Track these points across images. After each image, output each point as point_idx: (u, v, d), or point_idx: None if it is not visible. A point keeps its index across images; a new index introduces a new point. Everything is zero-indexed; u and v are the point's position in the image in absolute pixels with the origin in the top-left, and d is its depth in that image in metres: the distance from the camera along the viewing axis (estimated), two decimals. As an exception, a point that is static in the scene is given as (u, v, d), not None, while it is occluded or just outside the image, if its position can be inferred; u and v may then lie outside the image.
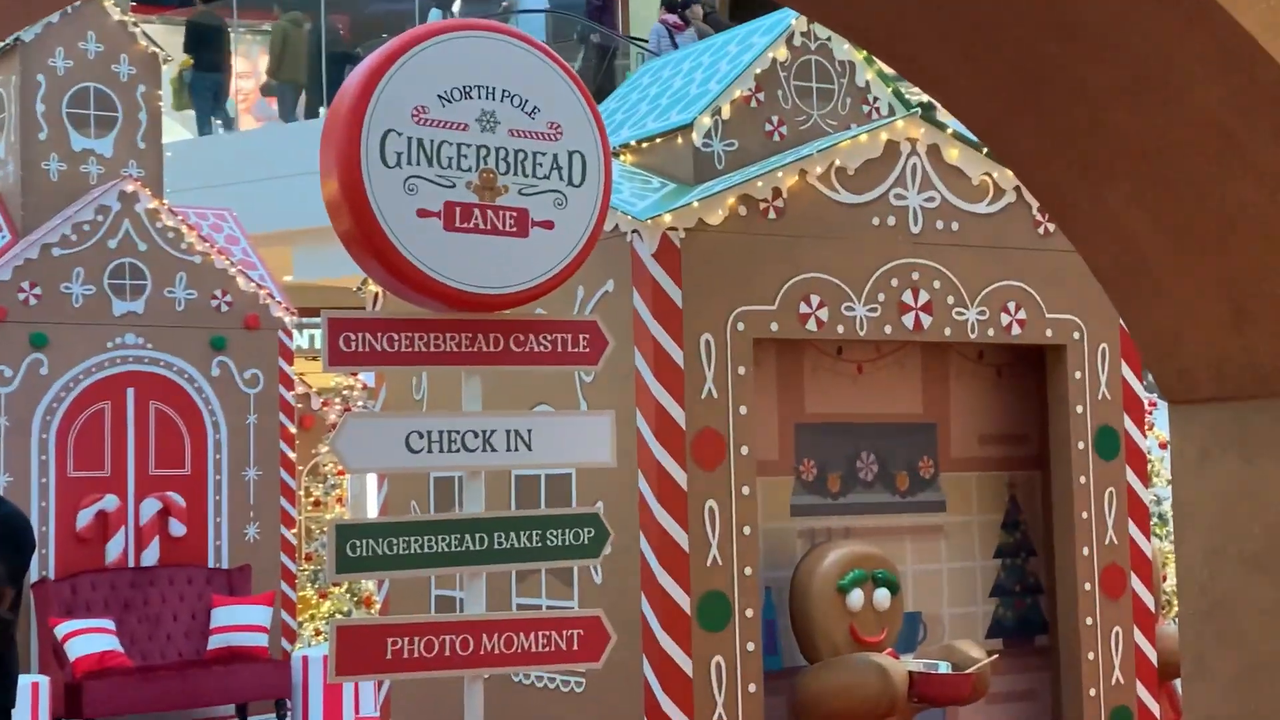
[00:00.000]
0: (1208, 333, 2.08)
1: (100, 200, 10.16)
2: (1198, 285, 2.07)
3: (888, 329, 5.39)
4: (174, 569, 10.01)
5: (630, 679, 4.94)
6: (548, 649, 4.33)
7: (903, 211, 5.44)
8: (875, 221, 5.39)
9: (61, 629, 9.34)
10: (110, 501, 9.93)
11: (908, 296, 5.42)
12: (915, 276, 5.44)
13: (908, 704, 5.05)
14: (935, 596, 5.76)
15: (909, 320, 5.42)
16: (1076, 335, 5.75)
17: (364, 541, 4.11)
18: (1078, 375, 5.74)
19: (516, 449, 4.34)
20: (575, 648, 4.37)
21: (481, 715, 4.29)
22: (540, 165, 4.36)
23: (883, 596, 5.22)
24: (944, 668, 5.04)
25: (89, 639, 9.34)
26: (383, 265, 4.18)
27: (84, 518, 9.83)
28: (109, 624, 9.51)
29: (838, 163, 5.33)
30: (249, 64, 19.23)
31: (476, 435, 4.30)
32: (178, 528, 10.10)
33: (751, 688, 4.98)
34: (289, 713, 9.96)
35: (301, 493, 11.63)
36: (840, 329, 5.30)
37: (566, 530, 4.41)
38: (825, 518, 5.56)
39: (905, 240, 5.43)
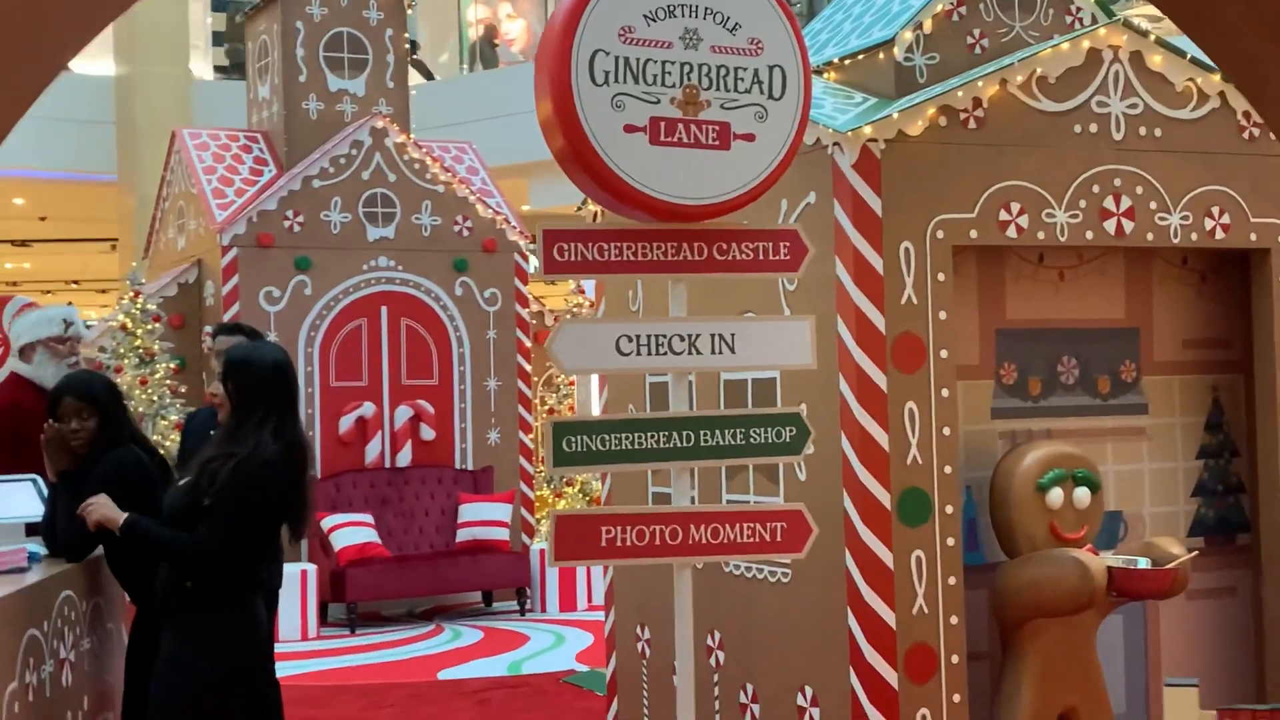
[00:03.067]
0: None
1: (354, 135, 10.35)
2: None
3: (1089, 235, 5.10)
4: (425, 469, 10.24)
5: (834, 572, 4.82)
6: (752, 540, 4.24)
7: (1105, 119, 5.12)
8: (1077, 129, 5.09)
9: (327, 522, 9.65)
10: (368, 408, 10.19)
11: (1109, 203, 5.11)
12: (1117, 183, 5.13)
13: (1106, 598, 4.82)
14: (1137, 496, 5.48)
15: (1110, 226, 5.12)
16: (1281, 239, 5.37)
17: (578, 438, 4.07)
18: (1282, 279, 5.36)
19: (720, 352, 4.24)
20: (779, 539, 4.27)
21: (690, 601, 4.23)
22: (741, 80, 4.21)
23: (1082, 495, 4.98)
24: (1143, 563, 4.80)
25: (351, 531, 9.64)
26: (593, 179, 4.10)
27: (345, 423, 10.12)
28: (368, 518, 9.80)
29: (1039, 71, 5.04)
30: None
31: (683, 339, 4.20)
32: (428, 432, 10.31)
33: (951, 580, 4.81)
34: (528, 599, 10.14)
35: (537, 401, 11.76)
36: (1041, 235, 5.04)
37: (769, 429, 4.30)
38: (1026, 420, 5.33)
39: (1108, 147, 5.12)
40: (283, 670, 8.20)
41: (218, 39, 20.11)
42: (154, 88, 15.79)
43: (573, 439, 4.05)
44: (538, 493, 11.03)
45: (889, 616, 4.72)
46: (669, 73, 4.14)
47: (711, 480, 5.50)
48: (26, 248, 21.75)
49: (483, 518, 10.03)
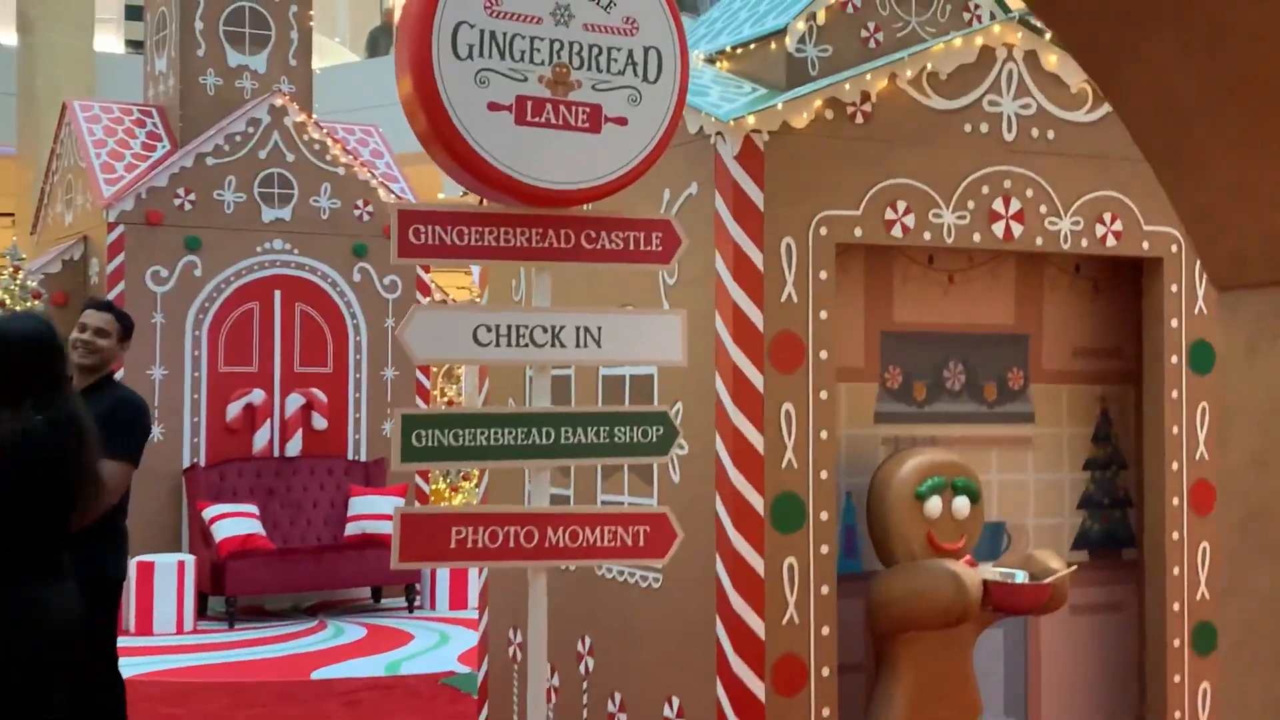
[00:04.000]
0: (1260, 208, 1.69)
1: (251, 113, 10.05)
2: (1251, 154, 1.69)
3: (977, 238, 4.96)
4: (315, 460, 9.97)
5: (705, 578, 4.64)
6: (613, 544, 4.05)
7: (996, 118, 4.99)
8: (968, 128, 4.95)
9: (209, 512, 9.35)
10: (258, 395, 9.90)
11: (999, 205, 4.98)
12: (1008, 185, 5.00)
13: (983, 612, 4.68)
14: (1021, 507, 5.36)
15: (999, 229, 4.98)
16: (1174, 248, 5.26)
17: (429, 432, 3.86)
18: (1174, 289, 5.26)
19: (585, 345, 4.04)
20: (641, 544, 4.09)
21: (544, 607, 4.04)
22: (615, 60, 4.02)
23: (962, 504, 4.84)
24: (1020, 577, 4.66)
25: (234, 522, 9.34)
26: (454, 159, 3.89)
27: (233, 410, 9.81)
28: (253, 509, 9.51)
29: (930, 67, 4.89)
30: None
31: (545, 330, 4.00)
32: (320, 421, 10.04)
33: (824, 589, 4.65)
34: (418, 596, 9.89)
35: (436, 392, 11.51)
36: (927, 236, 4.89)
37: (635, 427, 4.11)
38: (910, 425, 5.18)
39: (998, 147, 4.98)
40: (154, 664, 7.92)
41: (132, 13, 19.64)
42: (56, 59, 15.35)
43: (423, 432, 3.84)
44: (434, 486, 10.79)
45: (758, 626, 4.54)
46: (538, 50, 3.94)
47: (587, 480, 5.31)
48: (-76, 220, 21.13)
49: (373, 511, 9.77)
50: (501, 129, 3.87)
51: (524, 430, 3.97)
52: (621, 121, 4.02)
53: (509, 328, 3.96)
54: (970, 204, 4.93)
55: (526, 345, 3.97)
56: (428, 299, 10.51)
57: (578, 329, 4.03)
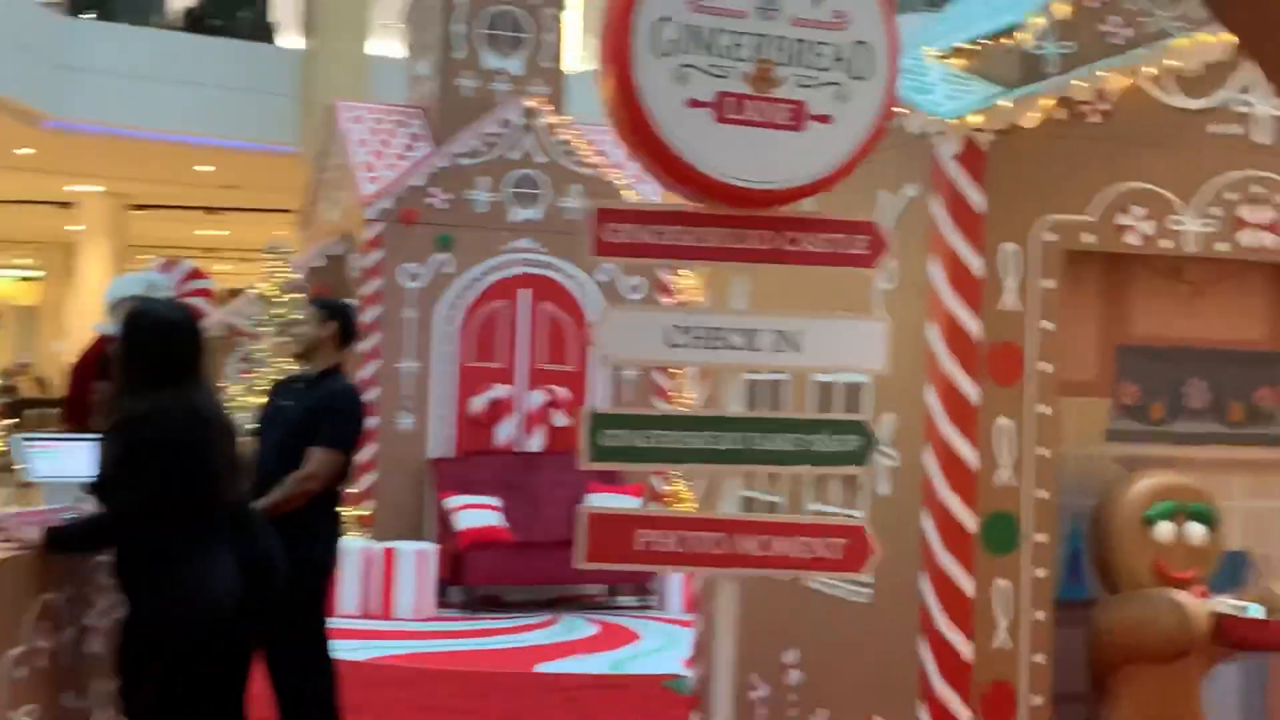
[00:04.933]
0: None
1: (504, 115, 10.23)
2: None
3: (1222, 247, 4.62)
4: (556, 456, 10.06)
5: (913, 596, 4.45)
6: (806, 555, 3.91)
7: (1245, 119, 4.63)
8: (1213, 130, 4.61)
9: (451, 502, 9.56)
10: (503, 390, 10.07)
11: (1246, 212, 4.62)
12: (1258, 190, 4.63)
13: (1212, 646, 4.35)
14: (1268, 536, 4.97)
15: (1246, 238, 4.62)
16: None
17: (619, 431, 3.80)
18: None
19: (783, 350, 3.91)
20: (836, 556, 3.93)
21: (733, 618, 3.93)
22: (822, 56, 3.88)
23: (1196, 531, 4.51)
24: (1254, 611, 4.31)
25: (476, 513, 9.52)
26: (651, 156, 3.82)
27: (479, 404, 10.01)
28: (495, 501, 9.67)
29: (1174, 64, 4.58)
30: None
31: (741, 334, 3.89)
32: (561, 418, 10.14)
33: (1040, 615, 4.39)
34: (652, 595, 9.90)
35: (679, 393, 11.48)
36: (1166, 244, 4.57)
37: (831, 435, 3.95)
38: (1144, 445, 4.86)
39: (1247, 151, 4.62)
40: (391, 648, 8.15)
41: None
42: (335, 63, 16.01)
43: (612, 432, 3.78)
44: (672, 486, 10.77)
45: (965, 649, 4.33)
46: (741, 45, 3.83)
47: (798, 489, 5.17)
48: (218, 215, 22.38)
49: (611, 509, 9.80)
50: (700, 126, 3.78)
51: (715, 434, 3.87)
52: (826, 119, 3.87)
53: (703, 330, 3.86)
54: (1215, 211, 4.59)
55: (720, 348, 3.87)
56: (669, 300, 10.50)
57: (775, 333, 3.91)
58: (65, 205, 22.02)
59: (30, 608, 3.78)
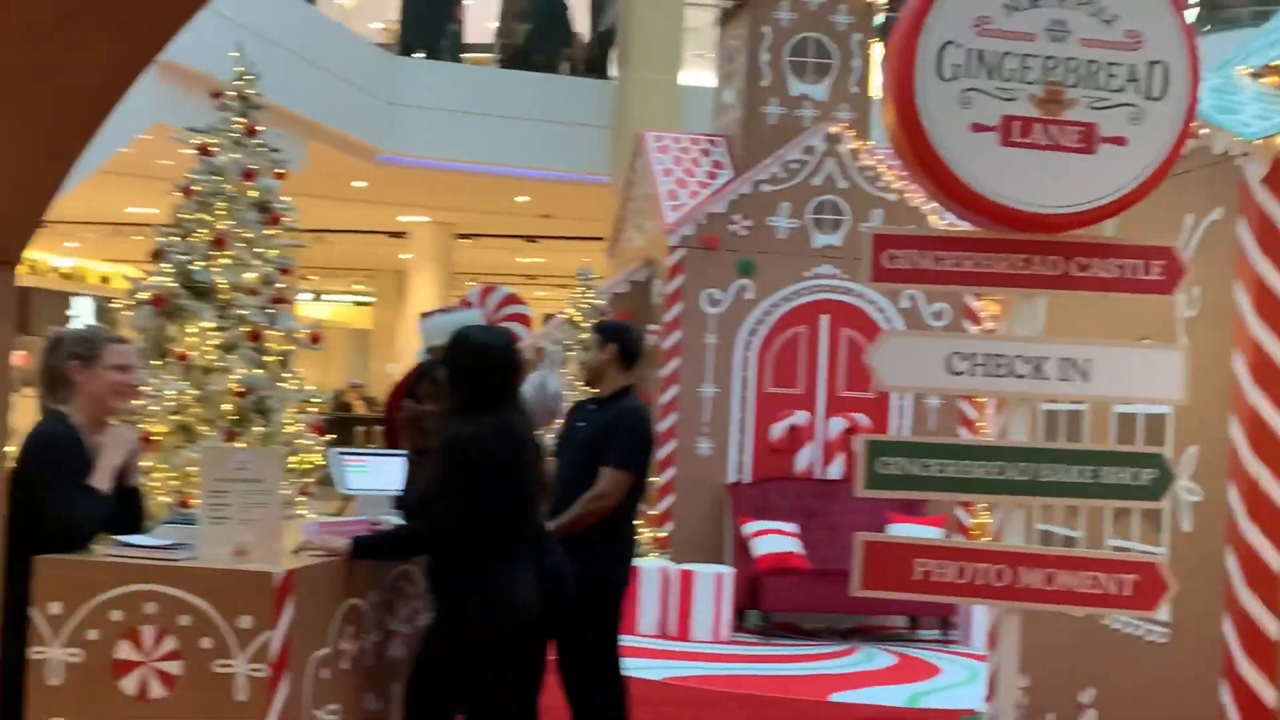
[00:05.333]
0: None
1: (807, 141, 10.28)
2: None
3: None
4: (856, 484, 10.00)
5: (1214, 638, 4.25)
6: (1094, 591, 3.80)
7: None
8: None
9: (749, 528, 9.63)
10: (801, 417, 10.09)
11: None
12: None
13: None
14: None
15: None
16: None
17: (895, 460, 3.78)
18: None
19: (1071, 378, 3.82)
20: (1127, 593, 3.80)
21: (1014, 654, 3.84)
22: (1115, 77, 3.78)
23: None
24: None
25: (773, 539, 9.56)
26: (934, 181, 3.80)
27: (777, 430, 10.05)
28: (793, 528, 9.69)
29: None
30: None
31: (1026, 361, 3.82)
32: (862, 446, 10.06)
33: (1355, 664, 4.12)
34: (954, 628, 9.71)
35: (983, 422, 11.24)
36: None
37: (1124, 469, 3.83)
38: None
39: None
40: (686, 669, 8.28)
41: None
42: (647, 94, 16.40)
43: (889, 460, 3.77)
44: (975, 519, 10.55)
45: (1268, 693, 4.11)
46: (1029, 68, 3.77)
47: (1095, 523, 5.01)
48: (536, 243, 23.21)
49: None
50: (985, 151, 3.74)
51: (999, 465, 3.80)
52: (1120, 141, 3.77)
53: (986, 357, 3.81)
54: None
55: (1005, 376, 3.80)
56: (977, 328, 10.31)
57: (1063, 361, 3.81)
58: (397, 235, 23.27)
59: (337, 612, 4.03)
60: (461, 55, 19.18)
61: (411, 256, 23.24)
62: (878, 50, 11.06)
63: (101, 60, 1.89)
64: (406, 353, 24.37)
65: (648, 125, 13.14)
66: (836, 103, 10.61)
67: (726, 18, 11.27)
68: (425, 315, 6.64)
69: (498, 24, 19.70)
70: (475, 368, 4.15)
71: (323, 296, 30.38)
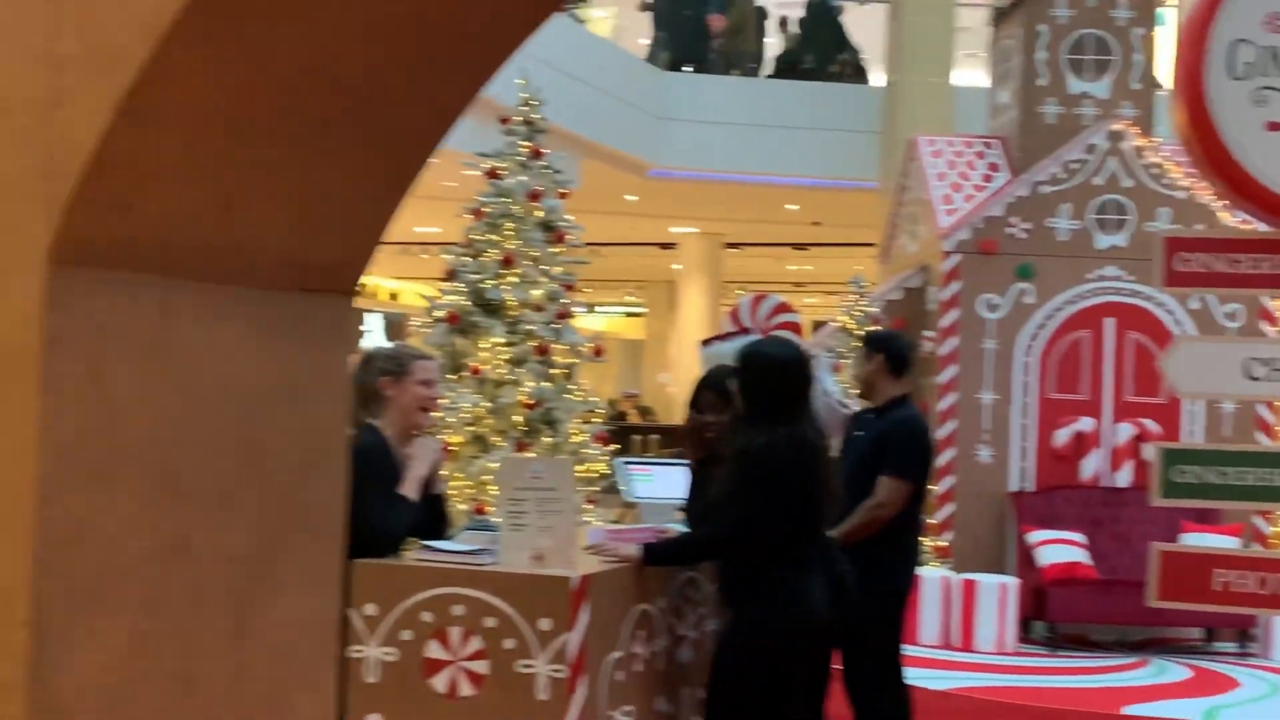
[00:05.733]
0: None
1: (1089, 140, 10.04)
2: None
3: None
4: (1145, 492, 9.70)
5: None
6: None
7: None
8: None
9: (1034, 537, 9.46)
10: (1087, 423, 9.85)
11: None
12: None
13: None
14: None
15: None
16: None
17: (1192, 468, 3.71)
18: None
19: (1381, 382, 3.68)
20: None
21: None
22: None
23: None
24: None
25: (1059, 549, 9.37)
26: (1226, 181, 3.73)
27: (1061, 437, 9.84)
28: (1079, 537, 9.47)
29: None
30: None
31: (1331, 366, 3.69)
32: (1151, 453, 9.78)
33: None
34: (1254, 641, 9.33)
35: (1283, 428, 10.74)
36: None
37: None
38: None
39: None
40: (970, 680, 8.20)
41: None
42: (917, 97, 16.24)
43: (1184, 468, 3.70)
44: (1275, 528, 10.10)
45: None
46: (1327, 62, 3.66)
47: None
48: (805, 251, 23.22)
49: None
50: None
51: (1302, 472, 3.69)
52: None
53: (1286, 361, 3.70)
54: None
55: (1308, 381, 3.69)
56: (1275, 329, 9.88)
57: (1372, 365, 3.68)
58: (667, 246, 23.65)
59: (628, 616, 4.19)
60: (730, 68, 19.36)
61: (681, 267, 23.57)
62: (1162, 43, 10.72)
63: (430, 103, 2.07)
64: (678, 363, 24.74)
65: (919, 129, 13.03)
66: (1118, 100, 10.33)
67: (1000, 17, 11.10)
68: (705, 343, 6.79)
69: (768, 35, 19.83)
70: (766, 379, 4.26)
71: (596, 309, 31.09)
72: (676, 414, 21.67)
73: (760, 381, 4.27)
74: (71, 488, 1.68)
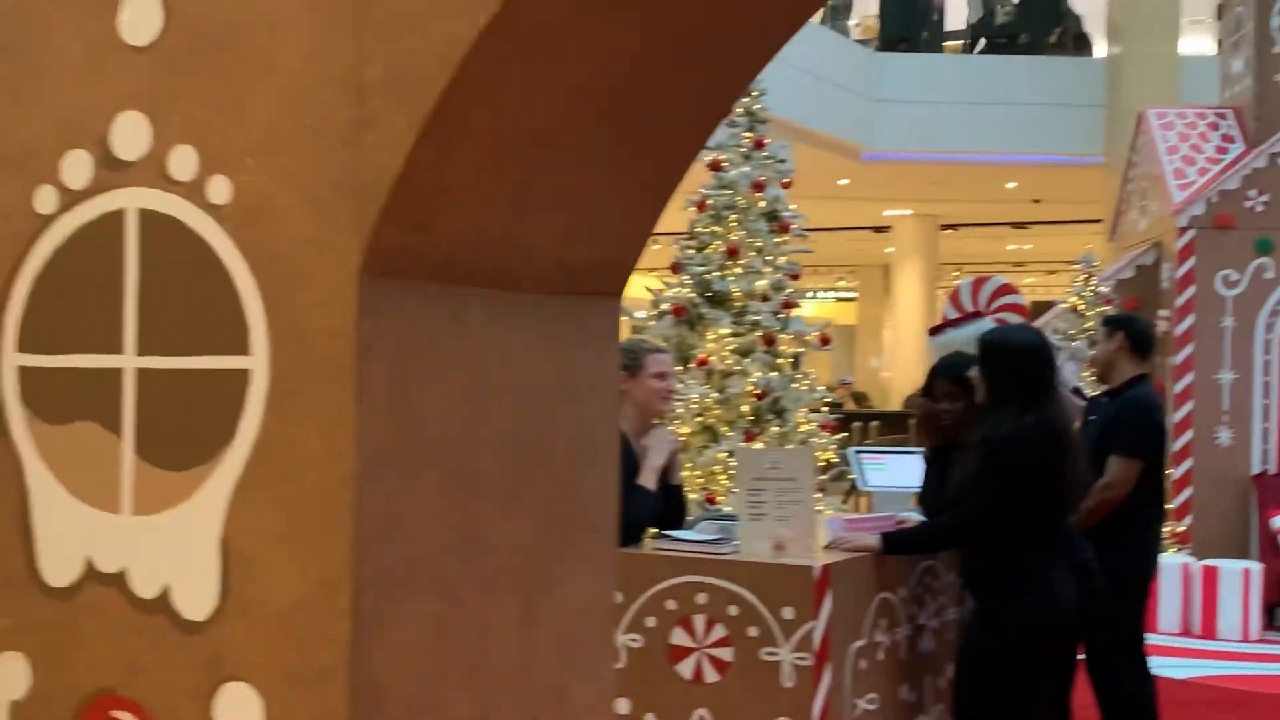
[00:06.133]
0: None
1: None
2: None
3: None
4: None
5: None
6: None
7: None
8: None
9: (1278, 521, 9.14)
10: (1334, 402, 9.46)
11: None
12: None
13: None
14: None
15: None
16: None
17: None
18: None
19: None
20: None
21: None
22: None
23: None
24: None
25: (1296, 535, 9.03)
26: None
27: (1304, 417, 9.48)
28: (1331, 522, 9.11)
29: None
30: None
31: None
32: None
33: None
34: None
35: None
36: None
37: None
38: None
39: None
40: (1214, 669, 7.98)
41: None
42: (1143, 68, 15.77)
43: None
44: None
45: None
46: None
47: None
48: (1025, 229, 22.75)
49: None
50: None
51: None
52: None
53: None
54: None
55: None
56: None
57: None
58: (880, 229, 23.44)
59: (870, 606, 4.24)
60: (943, 45, 19.08)
61: (894, 250, 23.34)
62: None
63: (693, 110, 2.15)
64: (892, 348, 24.49)
65: (1144, 101, 12.68)
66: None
67: (1231, -17, 10.73)
68: (933, 330, 6.75)
69: (980, 10, 19.48)
70: (1011, 366, 4.25)
71: (808, 295, 31.00)
72: (892, 399, 21.49)
73: (1004, 368, 4.26)
74: (382, 485, 1.81)
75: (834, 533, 4.39)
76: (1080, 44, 18.62)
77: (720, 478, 6.70)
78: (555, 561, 2.12)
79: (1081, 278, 10.03)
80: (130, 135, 1.91)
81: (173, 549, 1.88)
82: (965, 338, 5.84)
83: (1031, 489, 4.16)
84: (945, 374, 4.78)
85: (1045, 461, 4.17)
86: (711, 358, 7.03)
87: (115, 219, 1.92)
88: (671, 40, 1.95)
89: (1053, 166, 17.98)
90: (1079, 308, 9.81)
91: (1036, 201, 20.39)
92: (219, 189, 1.86)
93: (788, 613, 3.97)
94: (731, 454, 6.55)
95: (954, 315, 8.20)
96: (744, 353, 7.07)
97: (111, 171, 1.93)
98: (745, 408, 6.91)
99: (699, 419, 6.94)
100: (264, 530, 1.83)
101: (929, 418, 4.78)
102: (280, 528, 1.82)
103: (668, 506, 4.59)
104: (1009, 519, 4.15)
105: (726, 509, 5.78)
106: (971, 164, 18.08)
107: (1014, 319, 9.48)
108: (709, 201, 7.34)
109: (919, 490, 4.97)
